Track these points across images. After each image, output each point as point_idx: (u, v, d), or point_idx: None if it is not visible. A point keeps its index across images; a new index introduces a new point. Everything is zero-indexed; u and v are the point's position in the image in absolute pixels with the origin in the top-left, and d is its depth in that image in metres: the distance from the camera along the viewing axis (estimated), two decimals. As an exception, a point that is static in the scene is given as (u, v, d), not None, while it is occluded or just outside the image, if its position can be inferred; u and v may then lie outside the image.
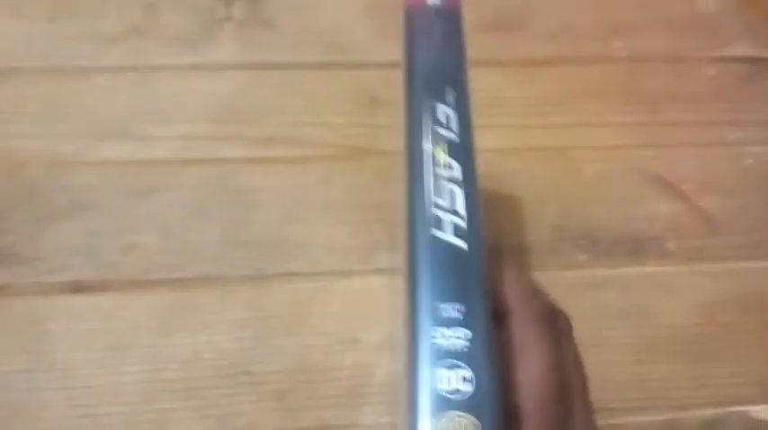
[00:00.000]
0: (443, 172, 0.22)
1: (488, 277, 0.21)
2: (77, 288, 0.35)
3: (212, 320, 0.34)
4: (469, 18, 0.29)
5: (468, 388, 0.18)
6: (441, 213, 0.21)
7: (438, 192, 0.21)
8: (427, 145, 0.22)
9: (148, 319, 0.34)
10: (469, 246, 0.20)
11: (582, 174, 0.41)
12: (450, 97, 0.23)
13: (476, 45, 0.45)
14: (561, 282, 0.37)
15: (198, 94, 0.43)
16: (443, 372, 0.18)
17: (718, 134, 0.44)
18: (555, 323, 0.23)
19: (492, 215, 0.39)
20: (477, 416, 0.17)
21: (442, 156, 0.22)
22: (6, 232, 0.37)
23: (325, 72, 0.45)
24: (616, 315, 0.35)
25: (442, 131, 0.22)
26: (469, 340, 0.18)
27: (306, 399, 0.32)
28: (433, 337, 0.18)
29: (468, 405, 0.17)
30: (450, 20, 0.26)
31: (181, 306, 0.35)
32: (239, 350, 0.33)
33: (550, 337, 0.22)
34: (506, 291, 0.22)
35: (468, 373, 0.18)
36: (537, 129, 0.43)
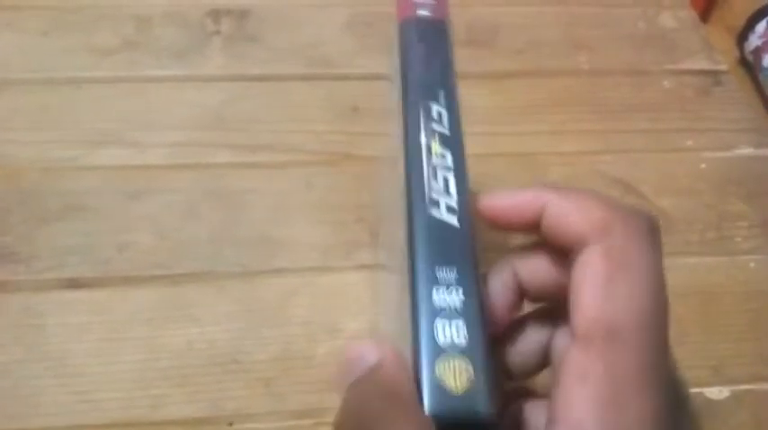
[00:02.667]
0: (438, 161, 0.24)
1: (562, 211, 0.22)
2: (73, 284, 0.37)
3: (203, 313, 0.36)
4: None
5: (461, 337, 0.20)
6: (436, 196, 0.24)
7: (434, 178, 0.24)
8: (423, 138, 0.25)
9: (143, 313, 0.36)
10: (460, 222, 0.23)
11: (548, 178, 0.44)
12: (442, 97, 0.26)
13: (450, 59, 0.48)
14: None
15: (188, 103, 0.46)
16: (441, 324, 0.21)
17: (675, 141, 0.47)
18: (657, 239, 0.22)
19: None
20: (470, 360, 0.20)
21: (437, 148, 0.25)
22: (3, 234, 0.39)
23: (308, 83, 0.48)
24: (579, 305, 0.38)
25: (436, 127, 0.25)
26: (462, 296, 0.21)
27: (291, 385, 0.34)
28: (431, 297, 0.21)
29: (462, 351, 0.20)
30: (439, 27, 0.29)
31: (174, 300, 0.36)
32: (229, 340, 0.35)
33: (654, 252, 0.21)
34: (594, 216, 0.21)
35: (461, 324, 0.21)
36: (506, 136, 0.46)
